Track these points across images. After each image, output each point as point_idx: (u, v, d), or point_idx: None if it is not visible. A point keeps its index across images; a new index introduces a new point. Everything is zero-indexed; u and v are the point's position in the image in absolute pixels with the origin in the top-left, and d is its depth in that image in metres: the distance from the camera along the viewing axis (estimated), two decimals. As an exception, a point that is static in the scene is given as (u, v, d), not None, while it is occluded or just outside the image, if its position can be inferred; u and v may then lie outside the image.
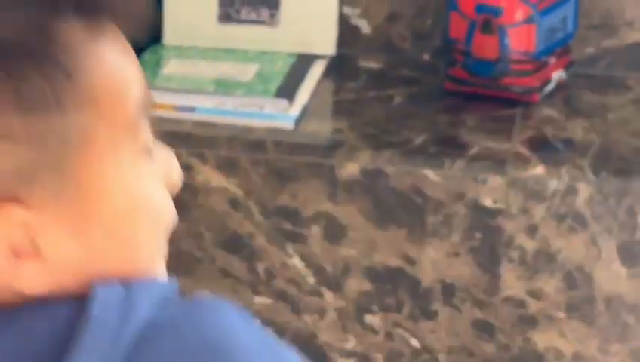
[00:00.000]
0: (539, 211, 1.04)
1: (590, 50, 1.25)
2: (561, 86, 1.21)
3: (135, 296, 0.50)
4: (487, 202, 1.06)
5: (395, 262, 1.08)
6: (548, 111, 1.17)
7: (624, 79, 1.23)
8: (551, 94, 1.20)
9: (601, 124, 1.14)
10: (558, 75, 1.20)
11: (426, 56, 1.26)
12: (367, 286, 1.09)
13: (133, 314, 0.49)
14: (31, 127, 0.50)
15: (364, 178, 1.06)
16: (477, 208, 1.05)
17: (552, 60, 1.20)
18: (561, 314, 1.07)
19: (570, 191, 1.04)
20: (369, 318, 1.10)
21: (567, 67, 1.21)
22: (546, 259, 1.07)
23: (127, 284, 0.51)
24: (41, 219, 0.51)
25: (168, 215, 0.55)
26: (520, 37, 1.15)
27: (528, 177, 1.05)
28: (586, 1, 1.24)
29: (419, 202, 1.06)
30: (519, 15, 1.16)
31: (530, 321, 1.07)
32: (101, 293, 0.49)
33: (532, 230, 1.05)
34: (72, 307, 0.50)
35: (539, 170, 1.05)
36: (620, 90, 1.20)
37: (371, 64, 1.26)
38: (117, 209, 0.52)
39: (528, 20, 1.17)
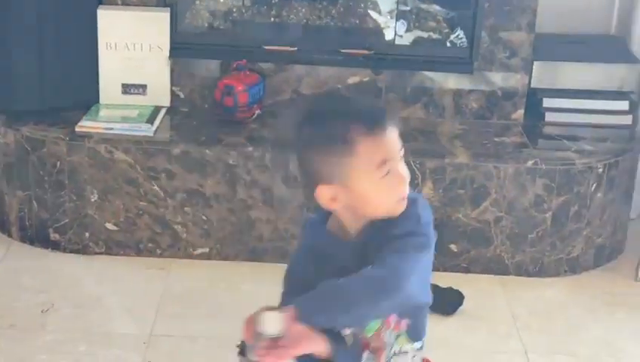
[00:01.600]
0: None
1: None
2: (258, 116, 2.93)
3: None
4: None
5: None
6: (253, 125, 2.88)
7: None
8: (254, 119, 2.92)
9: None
10: (257, 112, 2.94)
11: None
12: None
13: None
14: (333, 163, 1.47)
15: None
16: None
17: (255, 107, 2.93)
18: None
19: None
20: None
21: (260, 109, 2.95)
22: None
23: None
24: (339, 192, 1.49)
25: (382, 205, 1.50)
26: (243, 97, 2.88)
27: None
28: (270, 82, 2.98)
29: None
30: (241, 88, 2.89)
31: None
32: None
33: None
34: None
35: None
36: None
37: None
38: (363, 196, 1.49)
39: (246, 91, 2.90)
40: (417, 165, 2.73)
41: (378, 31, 3.10)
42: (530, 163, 2.76)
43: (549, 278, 2.82)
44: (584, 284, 2.81)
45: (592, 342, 2.53)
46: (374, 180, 1.48)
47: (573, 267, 2.86)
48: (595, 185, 2.79)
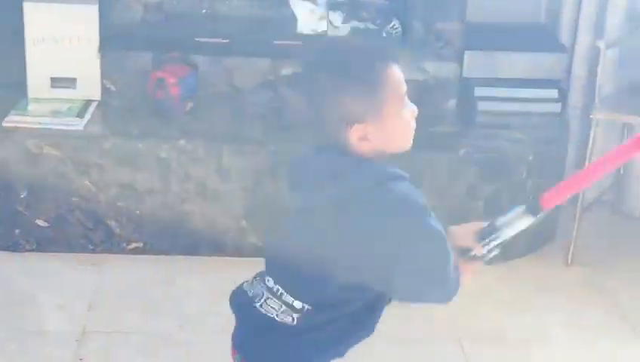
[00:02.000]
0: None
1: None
2: (191, 108, 2.91)
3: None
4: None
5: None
6: (186, 118, 2.86)
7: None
8: (187, 112, 2.89)
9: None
10: (190, 104, 2.91)
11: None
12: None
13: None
14: (366, 100, 1.46)
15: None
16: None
17: (188, 100, 2.91)
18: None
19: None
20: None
21: (193, 102, 2.92)
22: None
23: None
24: (370, 130, 1.47)
25: (406, 137, 1.51)
26: (175, 90, 2.86)
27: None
28: (203, 75, 2.96)
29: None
30: (173, 81, 2.86)
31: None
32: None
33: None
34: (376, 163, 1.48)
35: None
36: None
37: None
38: (394, 130, 1.48)
39: (178, 84, 2.87)
40: (351, 156, 2.73)
41: (312, 22, 3.10)
42: (462, 152, 2.79)
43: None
44: (516, 271, 2.85)
45: (523, 327, 2.57)
46: (400, 112, 1.50)
47: (506, 254, 2.89)
48: (525, 173, 2.83)
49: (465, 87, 3.04)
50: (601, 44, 2.87)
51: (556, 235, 3.03)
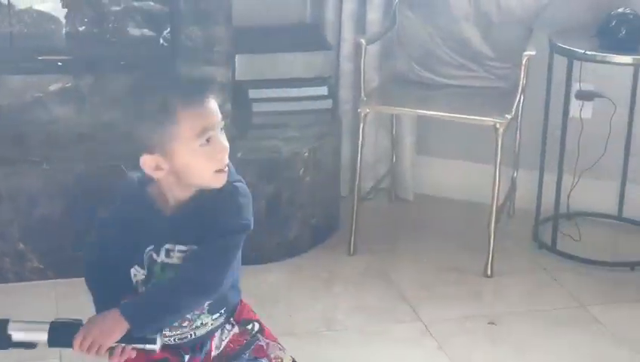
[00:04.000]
0: None
1: None
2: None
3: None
4: None
5: None
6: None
7: None
8: None
9: None
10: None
11: None
12: None
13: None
14: (154, 133, 1.56)
15: None
16: None
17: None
18: None
19: None
20: None
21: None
22: None
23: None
24: (162, 161, 1.57)
25: (203, 173, 1.59)
26: None
27: None
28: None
29: None
30: None
31: None
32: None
33: None
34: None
35: None
36: None
37: None
38: (184, 165, 1.57)
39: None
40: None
41: (79, 35, 3.03)
42: (239, 154, 2.83)
43: (269, 264, 2.91)
44: (303, 265, 2.93)
45: (313, 319, 2.64)
46: (194, 149, 1.56)
47: (292, 250, 2.97)
48: (302, 169, 2.91)
49: (238, 90, 3.07)
50: (363, 41, 2.99)
51: (339, 227, 3.14)
